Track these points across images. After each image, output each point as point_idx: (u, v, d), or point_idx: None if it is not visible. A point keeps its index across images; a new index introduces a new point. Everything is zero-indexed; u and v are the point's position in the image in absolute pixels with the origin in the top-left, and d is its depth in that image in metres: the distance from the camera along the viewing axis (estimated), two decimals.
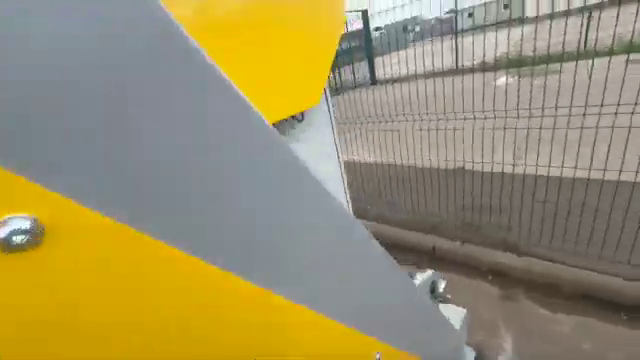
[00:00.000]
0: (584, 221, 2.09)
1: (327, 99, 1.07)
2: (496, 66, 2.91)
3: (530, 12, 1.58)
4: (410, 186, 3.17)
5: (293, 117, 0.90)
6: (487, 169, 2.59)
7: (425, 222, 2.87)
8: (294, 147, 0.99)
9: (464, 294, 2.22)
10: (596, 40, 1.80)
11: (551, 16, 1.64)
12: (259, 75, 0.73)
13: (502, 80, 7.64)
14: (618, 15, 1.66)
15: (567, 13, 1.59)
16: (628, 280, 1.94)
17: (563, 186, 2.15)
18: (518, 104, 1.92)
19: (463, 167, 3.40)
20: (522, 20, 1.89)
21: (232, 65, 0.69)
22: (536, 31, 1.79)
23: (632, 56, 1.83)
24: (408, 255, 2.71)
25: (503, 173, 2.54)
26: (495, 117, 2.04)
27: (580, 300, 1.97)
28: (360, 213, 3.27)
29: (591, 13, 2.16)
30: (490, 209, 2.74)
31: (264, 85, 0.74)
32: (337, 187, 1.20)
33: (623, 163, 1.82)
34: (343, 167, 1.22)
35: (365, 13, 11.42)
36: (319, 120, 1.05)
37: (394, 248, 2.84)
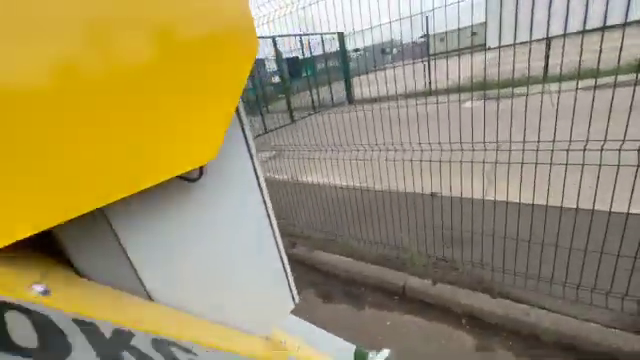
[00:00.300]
0: (559, 257, 1.95)
1: (247, 143, 0.85)
2: (460, 89, 2.84)
3: (491, 42, 1.45)
4: (377, 213, 2.98)
5: (182, 177, 0.67)
6: (459, 195, 2.45)
7: (394, 257, 2.66)
8: (192, 211, 0.74)
9: (436, 343, 1.99)
10: (561, 66, 1.71)
11: (514, 44, 1.53)
12: (126, 129, 0.50)
13: (470, 103, 7.85)
14: (582, 44, 1.59)
15: (530, 42, 1.49)
16: (606, 326, 1.79)
17: (536, 215, 2.02)
18: (484, 136, 1.79)
19: (433, 193, 3.26)
20: (484, 47, 1.78)
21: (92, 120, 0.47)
22: (499, 57, 1.71)
23: (591, 82, 1.76)
24: (377, 295, 2.47)
25: (473, 200, 2.40)
26: (462, 150, 1.89)
27: (559, 350, 1.79)
28: (322, 244, 3.03)
29: (550, 42, 2.13)
30: (462, 242, 2.58)
31: (130, 141, 0.51)
32: (267, 242, 0.97)
33: (595, 199, 1.70)
34: (272, 216, 0.99)
35: (341, 35, 11.63)
36: (235, 171, 0.83)
37: (362, 286, 2.60)
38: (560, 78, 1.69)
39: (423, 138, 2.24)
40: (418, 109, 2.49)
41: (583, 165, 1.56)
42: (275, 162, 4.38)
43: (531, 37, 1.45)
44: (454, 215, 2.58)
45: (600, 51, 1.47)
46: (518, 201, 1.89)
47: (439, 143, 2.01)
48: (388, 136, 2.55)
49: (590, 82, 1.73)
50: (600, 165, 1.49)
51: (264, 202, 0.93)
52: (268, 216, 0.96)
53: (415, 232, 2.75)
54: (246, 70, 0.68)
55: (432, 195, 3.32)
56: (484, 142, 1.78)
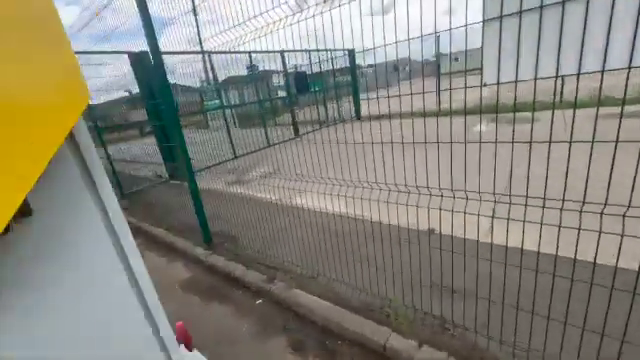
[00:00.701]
0: (570, 329, 1.62)
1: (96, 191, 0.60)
2: (466, 111, 2.58)
3: (489, 78, 1.19)
4: (366, 246, 2.69)
5: None
6: (458, 235, 2.14)
7: (378, 307, 2.34)
8: None
9: None
10: (577, 93, 1.45)
11: (515, 82, 1.27)
12: None
13: (478, 127, 7.51)
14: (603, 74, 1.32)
15: (535, 79, 1.22)
16: None
17: (542, 266, 1.70)
18: (495, 185, 1.51)
19: (431, 230, 2.95)
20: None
21: None
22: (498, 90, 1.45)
23: (606, 110, 1.47)
24: (354, 351, 2.15)
25: (465, 242, 2.10)
26: (467, 198, 1.61)
27: None
28: (302, 281, 2.73)
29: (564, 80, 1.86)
30: (451, 292, 2.26)
31: None
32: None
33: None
34: (147, 284, 0.71)
35: (352, 52, 11.57)
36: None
37: (339, 338, 2.28)
38: (574, 109, 1.41)
39: (420, 171, 1.97)
40: (423, 130, 2.22)
41: (600, 232, 1.26)
42: (267, 180, 4.14)
43: (536, 75, 1.19)
44: (448, 260, 2.26)
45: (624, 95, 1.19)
46: (521, 249, 1.58)
47: (440, 189, 1.73)
48: (387, 163, 2.29)
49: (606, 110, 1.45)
50: (622, 235, 1.19)
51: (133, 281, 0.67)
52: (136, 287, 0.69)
53: (403, 276, 2.44)
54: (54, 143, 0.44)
55: (424, 233, 3.00)
56: (479, 191, 1.50)
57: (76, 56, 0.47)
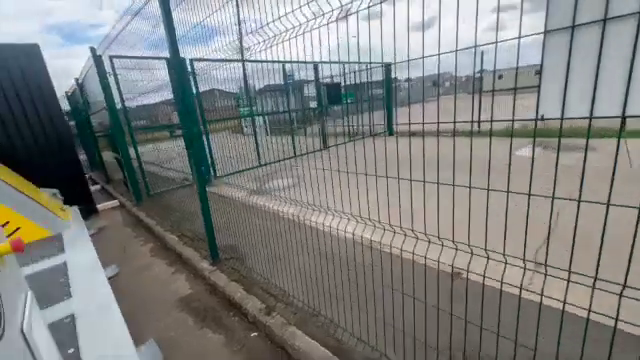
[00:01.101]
0: None
1: None
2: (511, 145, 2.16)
3: (547, 109, 0.85)
4: (373, 283, 2.31)
5: None
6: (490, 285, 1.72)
7: None
8: None
9: None
10: None
11: (589, 118, 0.90)
12: None
13: (524, 150, 6.74)
14: None
15: (622, 117, 0.85)
16: None
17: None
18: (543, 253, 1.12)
19: (457, 274, 2.52)
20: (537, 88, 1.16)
21: None
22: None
23: None
24: None
25: (501, 295, 1.67)
26: (505, 262, 1.24)
27: None
28: (302, 318, 2.40)
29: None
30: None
31: None
32: None
33: None
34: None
35: (388, 66, 11.23)
36: None
37: None
38: None
39: (446, 209, 1.60)
40: (460, 153, 1.87)
41: None
42: (289, 192, 3.91)
43: (624, 112, 0.81)
44: (476, 311, 1.83)
45: None
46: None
47: (469, 245, 1.36)
48: (405, 191, 1.94)
49: None
50: None
51: None
52: None
53: (416, 331, 2.03)
54: None
55: (453, 277, 2.56)
56: (524, 258, 1.11)
57: None
